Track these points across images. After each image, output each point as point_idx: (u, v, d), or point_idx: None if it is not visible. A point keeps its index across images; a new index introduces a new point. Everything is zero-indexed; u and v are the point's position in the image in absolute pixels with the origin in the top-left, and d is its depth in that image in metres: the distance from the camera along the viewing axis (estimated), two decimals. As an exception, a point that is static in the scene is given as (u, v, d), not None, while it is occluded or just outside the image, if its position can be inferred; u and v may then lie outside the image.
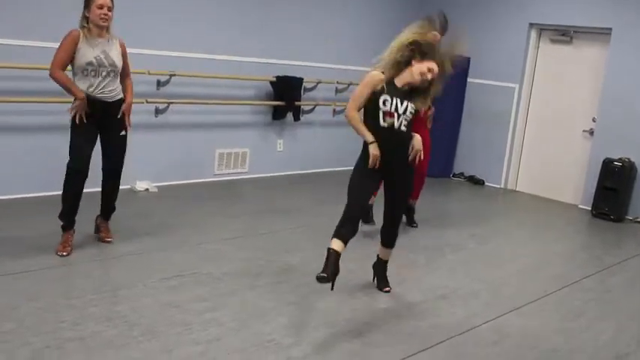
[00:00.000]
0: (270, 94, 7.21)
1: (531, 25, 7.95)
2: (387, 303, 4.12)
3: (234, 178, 7.16)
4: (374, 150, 3.85)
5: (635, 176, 7.15)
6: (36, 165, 5.58)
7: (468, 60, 8.30)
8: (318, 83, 7.64)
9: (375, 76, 3.91)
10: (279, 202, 6.48)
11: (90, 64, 4.25)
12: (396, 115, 3.87)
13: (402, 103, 3.88)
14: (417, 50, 3.84)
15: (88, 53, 4.24)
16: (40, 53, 5.04)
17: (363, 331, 3.70)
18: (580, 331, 4.06)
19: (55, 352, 3.10)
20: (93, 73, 4.27)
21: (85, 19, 4.24)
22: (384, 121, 3.87)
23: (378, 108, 3.88)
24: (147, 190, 6.12)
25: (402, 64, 3.88)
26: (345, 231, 3.74)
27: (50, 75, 4.25)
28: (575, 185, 7.73)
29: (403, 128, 3.91)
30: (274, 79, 7.11)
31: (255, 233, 5.33)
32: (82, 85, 4.27)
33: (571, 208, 7.62)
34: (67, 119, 4.36)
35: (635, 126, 7.12)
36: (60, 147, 5.59)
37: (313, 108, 7.73)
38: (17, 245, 4.46)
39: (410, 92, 3.93)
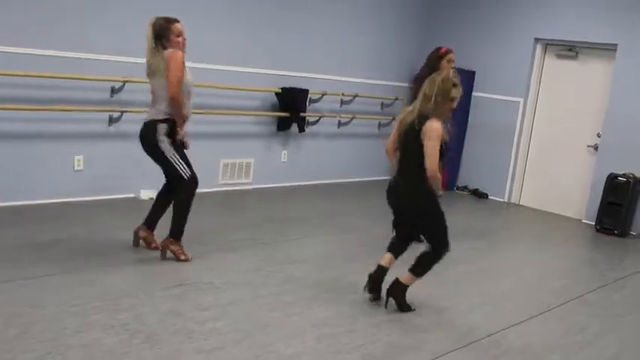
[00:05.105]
0: (275, 105, 7.25)
1: (537, 40, 7.98)
2: (388, 317, 4.11)
3: (239, 188, 7.18)
4: None
5: (640, 192, 7.15)
6: (36, 173, 5.63)
7: (473, 74, 8.34)
8: (323, 95, 7.67)
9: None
10: (283, 212, 6.50)
11: (192, 85, 4.51)
12: None
13: None
14: None
15: (188, 75, 4.46)
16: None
17: (364, 343, 3.70)
18: (583, 346, 4.05)
19: (57, 359, 3.11)
20: (188, 95, 4.50)
21: (163, 47, 4.36)
22: None
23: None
24: (151, 199, 6.11)
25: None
26: None
27: (175, 96, 4.30)
28: (579, 200, 7.73)
29: None
30: (279, 90, 7.15)
31: (258, 243, 5.34)
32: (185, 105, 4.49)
33: (575, 222, 7.60)
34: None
35: (640, 141, 7.14)
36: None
37: (318, 119, 7.76)
38: (21, 253, 4.49)
39: None
